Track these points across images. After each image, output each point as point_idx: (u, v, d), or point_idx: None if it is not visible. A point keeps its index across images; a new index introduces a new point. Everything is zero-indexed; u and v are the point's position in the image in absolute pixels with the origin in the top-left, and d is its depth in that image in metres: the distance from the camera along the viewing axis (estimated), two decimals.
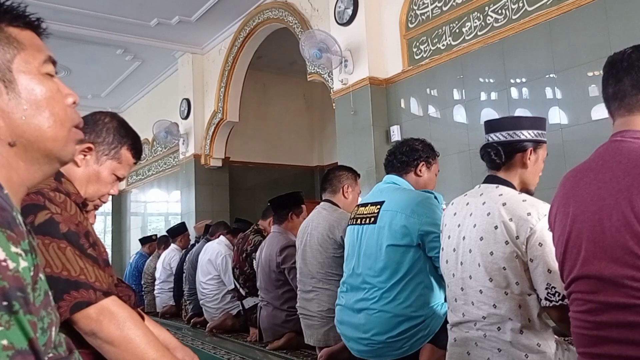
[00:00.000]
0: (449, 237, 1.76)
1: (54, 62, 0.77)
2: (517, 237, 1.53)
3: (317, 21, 4.92)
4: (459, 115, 3.74)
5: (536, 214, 1.52)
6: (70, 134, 0.76)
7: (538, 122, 1.75)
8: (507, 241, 1.54)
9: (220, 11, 5.84)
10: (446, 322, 1.85)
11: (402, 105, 4.12)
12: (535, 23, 3.22)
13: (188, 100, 6.95)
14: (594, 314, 1.12)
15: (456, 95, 3.76)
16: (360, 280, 2.28)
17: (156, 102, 8.13)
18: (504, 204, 1.59)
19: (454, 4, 3.74)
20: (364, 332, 2.21)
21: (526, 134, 1.69)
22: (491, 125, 1.76)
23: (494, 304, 1.57)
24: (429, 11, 3.94)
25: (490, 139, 1.74)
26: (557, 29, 3.12)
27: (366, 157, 4.12)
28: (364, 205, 2.40)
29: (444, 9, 3.82)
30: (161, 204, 8.20)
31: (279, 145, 7.73)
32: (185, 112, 6.98)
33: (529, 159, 1.69)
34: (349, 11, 4.32)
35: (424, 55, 3.96)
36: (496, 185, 1.69)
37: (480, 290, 1.60)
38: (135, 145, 1.37)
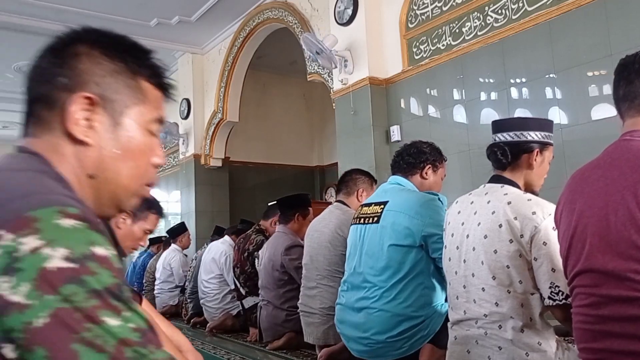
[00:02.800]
0: (452, 235, 1.76)
1: (162, 122, 0.83)
2: (522, 236, 1.53)
3: (317, 21, 4.92)
4: (459, 115, 3.74)
5: (541, 213, 1.52)
6: (140, 189, 0.81)
7: (545, 124, 1.75)
8: (511, 239, 1.55)
9: (220, 11, 5.84)
10: (446, 321, 1.86)
11: (402, 105, 4.12)
12: (535, 23, 3.22)
13: (188, 100, 6.95)
14: (596, 307, 1.13)
15: (456, 95, 3.76)
16: (361, 279, 2.28)
17: None
18: (509, 203, 1.59)
19: (454, 4, 3.74)
20: (363, 332, 2.21)
21: (533, 135, 1.70)
22: (498, 125, 1.77)
23: (496, 302, 1.57)
24: (428, 11, 3.94)
25: (497, 139, 1.74)
26: (557, 29, 3.12)
27: (366, 157, 4.12)
28: (368, 205, 2.40)
29: (444, 9, 3.82)
30: (161, 204, 8.18)
31: (279, 145, 7.73)
32: (185, 112, 6.98)
33: (535, 160, 1.70)
34: (349, 11, 4.32)
35: (424, 55, 3.96)
36: (501, 184, 1.70)
37: (483, 288, 1.60)
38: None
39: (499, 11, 3.45)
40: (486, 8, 3.52)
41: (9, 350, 0.55)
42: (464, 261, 1.68)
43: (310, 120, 8.14)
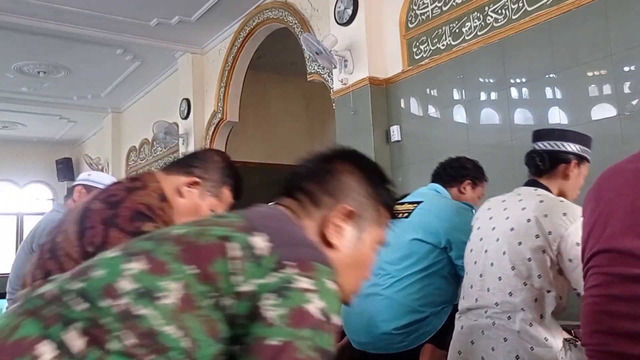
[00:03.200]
0: (478, 227, 1.80)
1: (383, 245, 1.00)
2: (550, 233, 1.56)
3: (317, 21, 4.92)
4: (459, 115, 3.74)
5: (572, 215, 1.56)
6: (348, 296, 0.94)
7: (584, 139, 1.81)
8: (537, 235, 1.57)
9: (220, 11, 5.83)
10: (449, 322, 1.86)
11: (402, 105, 4.12)
12: (535, 23, 3.22)
13: (188, 100, 6.94)
14: (606, 287, 1.13)
15: (456, 95, 3.76)
16: (376, 266, 2.29)
17: (156, 102, 8.12)
18: (540, 201, 1.64)
19: (454, 4, 3.74)
20: (368, 319, 2.20)
21: (572, 147, 1.76)
22: (539, 135, 1.84)
23: (510, 292, 1.59)
24: (429, 11, 3.94)
25: (536, 147, 1.81)
26: (557, 29, 3.12)
27: None
28: (401, 203, 2.44)
29: (444, 9, 3.81)
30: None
31: (279, 145, 7.72)
32: (185, 112, 6.97)
33: (572, 171, 1.75)
34: (349, 11, 4.32)
35: (424, 55, 3.96)
36: (535, 188, 1.74)
37: (500, 277, 1.63)
38: (237, 186, 1.46)
39: (499, 11, 3.45)
40: (486, 8, 3.52)
41: (237, 349, 0.67)
42: (486, 251, 1.71)
43: (310, 120, 8.14)
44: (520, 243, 1.60)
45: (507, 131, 3.39)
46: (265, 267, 0.70)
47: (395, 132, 4.08)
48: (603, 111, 2.91)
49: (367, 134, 4.13)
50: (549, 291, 1.55)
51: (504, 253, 1.63)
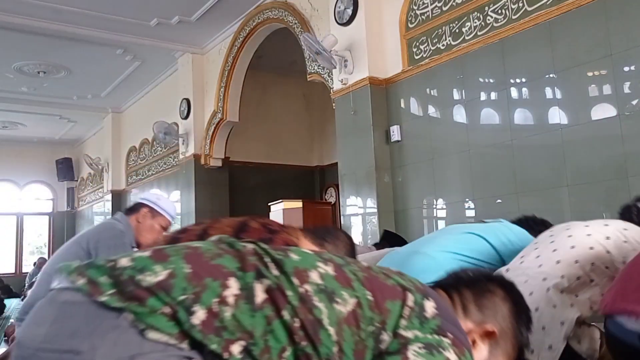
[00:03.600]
0: (550, 235, 1.83)
1: None
2: (625, 242, 1.63)
3: (317, 21, 4.92)
4: (459, 115, 3.74)
5: None
6: None
7: None
8: (609, 237, 1.63)
9: (220, 11, 5.84)
10: None
11: (402, 105, 4.12)
12: (535, 23, 3.22)
13: (188, 100, 6.94)
14: None
15: (456, 95, 3.76)
16: (411, 250, 2.28)
17: (156, 102, 8.12)
18: (624, 222, 1.77)
19: (454, 4, 3.74)
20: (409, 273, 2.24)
21: None
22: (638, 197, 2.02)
23: (558, 260, 1.61)
24: (428, 11, 3.94)
25: (637, 204, 1.97)
26: (557, 29, 3.12)
27: (366, 157, 4.12)
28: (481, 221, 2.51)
29: (444, 9, 3.81)
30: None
31: (279, 145, 7.73)
32: (185, 112, 6.98)
33: None
34: (349, 11, 4.32)
35: (424, 55, 3.96)
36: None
37: (555, 249, 1.66)
38: None
39: (499, 11, 3.45)
40: (486, 8, 3.52)
41: None
42: (552, 242, 1.74)
43: (310, 120, 8.14)
44: (589, 235, 1.67)
45: (507, 131, 3.39)
46: (427, 326, 0.81)
47: (395, 132, 4.09)
48: (603, 111, 2.92)
49: (367, 134, 4.13)
50: (592, 280, 1.58)
51: (569, 236, 1.70)
